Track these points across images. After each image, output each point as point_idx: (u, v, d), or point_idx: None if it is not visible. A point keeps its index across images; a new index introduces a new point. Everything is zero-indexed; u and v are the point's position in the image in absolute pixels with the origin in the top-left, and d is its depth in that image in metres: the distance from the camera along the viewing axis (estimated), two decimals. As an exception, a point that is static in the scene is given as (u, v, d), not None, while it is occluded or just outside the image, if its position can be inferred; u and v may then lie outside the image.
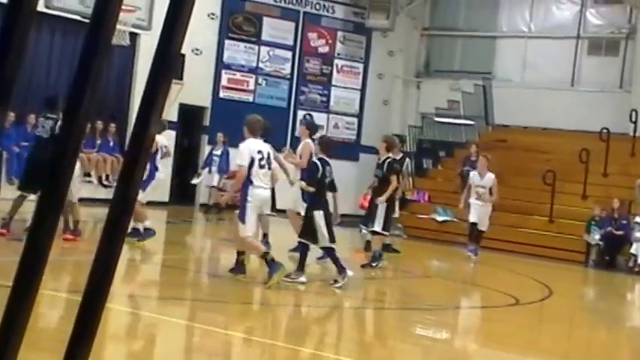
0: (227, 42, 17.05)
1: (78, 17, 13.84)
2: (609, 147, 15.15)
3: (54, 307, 5.78)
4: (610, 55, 17.19)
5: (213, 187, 15.81)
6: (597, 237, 13.49)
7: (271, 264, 7.41)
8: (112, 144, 15.27)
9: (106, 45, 0.85)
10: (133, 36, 14.99)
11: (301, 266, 7.84)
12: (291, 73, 17.81)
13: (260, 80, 17.50)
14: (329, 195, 8.02)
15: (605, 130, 15.20)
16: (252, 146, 7.69)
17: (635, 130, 15.66)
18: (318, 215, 7.66)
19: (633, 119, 15.61)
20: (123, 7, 0.87)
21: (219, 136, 15.81)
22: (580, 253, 13.71)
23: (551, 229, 14.33)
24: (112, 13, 0.84)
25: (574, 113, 16.75)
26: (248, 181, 7.56)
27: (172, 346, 5.79)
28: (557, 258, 13.44)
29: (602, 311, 9.62)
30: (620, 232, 13.31)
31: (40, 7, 12.97)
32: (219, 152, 15.83)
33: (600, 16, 17.36)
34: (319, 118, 18.31)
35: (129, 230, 8.25)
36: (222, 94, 17.11)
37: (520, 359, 6.42)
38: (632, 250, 12.96)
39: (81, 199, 11.43)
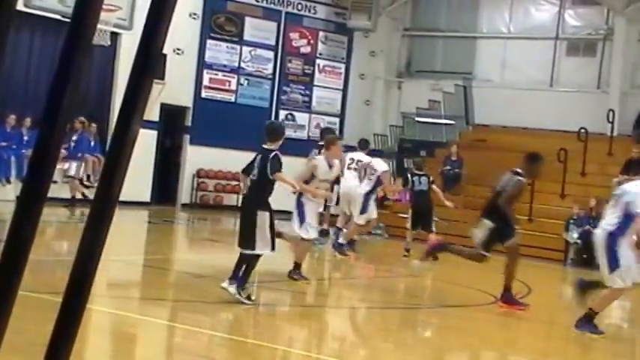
0: (209, 42, 17.00)
1: (58, 17, 13.73)
2: (587, 147, 15.31)
3: (34, 308, 5.73)
4: (588, 55, 17.38)
5: (70, 177, 14.28)
6: (575, 235, 13.63)
7: None
8: (92, 144, 15.17)
9: (87, 45, 0.85)
10: (114, 36, 14.91)
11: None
12: (273, 73, 17.80)
13: (242, 80, 17.47)
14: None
15: (582, 130, 15.36)
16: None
17: (612, 130, 15.84)
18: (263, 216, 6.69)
19: (610, 119, 15.79)
20: (104, 6, 0.87)
21: (78, 121, 14.39)
22: (559, 252, 13.85)
23: (530, 228, 14.43)
24: (93, 13, 0.84)
25: (553, 113, 16.92)
26: None
27: (154, 347, 5.77)
28: (537, 256, 13.56)
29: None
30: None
31: (20, 7, 12.85)
32: (75, 138, 14.54)
33: (578, 18, 17.55)
34: (301, 118, 18.34)
35: None
36: (204, 94, 17.06)
37: (499, 357, 6.47)
38: (610, 249, 13.10)
39: (62, 199, 11.37)
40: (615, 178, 14.53)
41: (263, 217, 6.56)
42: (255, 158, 6.98)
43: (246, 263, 6.64)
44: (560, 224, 13.93)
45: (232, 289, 6.55)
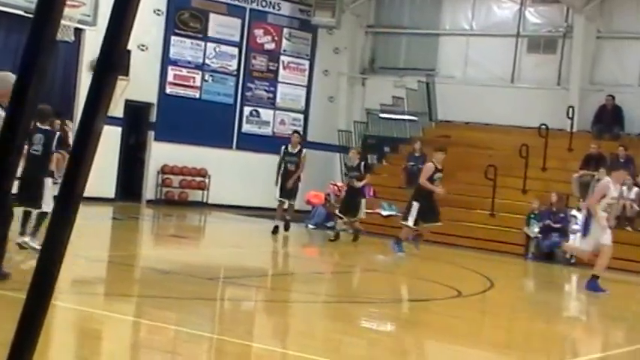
0: (173, 38, 16.86)
1: (21, 12, 13.48)
2: (548, 142, 15.58)
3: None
4: (548, 53, 17.67)
5: None
6: (536, 230, 13.86)
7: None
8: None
9: (51, 41, 0.86)
10: (78, 31, 14.68)
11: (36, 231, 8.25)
12: (238, 70, 17.72)
13: (206, 76, 17.36)
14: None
15: (543, 126, 15.62)
16: None
17: (572, 126, 16.13)
18: (47, 181, 8.37)
19: (570, 115, 16.09)
20: (67, 2, 0.87)
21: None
22: (520, 246, 14.07)
23: (492, 223, 14.65)
24: (57, 9, 0.85)
25: (514, 109, 17.16)
26: None
27: (120, 343, 5.72)
28: (498, 251, 13.76)
29: (541, 302, 9.92)
30: (557, 225, 13.70)
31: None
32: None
33: (539, 15, 17.82)
34: (266, 114, 18.30)
35: None
36: (168, 91, 16.91)
37: (462, 350, 6.57)
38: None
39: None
40: (575, 173, 14.84)
41: (47, 182, 8.38)
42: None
43: (39, 219, 8.24)
44: (522, 219, 14.16)
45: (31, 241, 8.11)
